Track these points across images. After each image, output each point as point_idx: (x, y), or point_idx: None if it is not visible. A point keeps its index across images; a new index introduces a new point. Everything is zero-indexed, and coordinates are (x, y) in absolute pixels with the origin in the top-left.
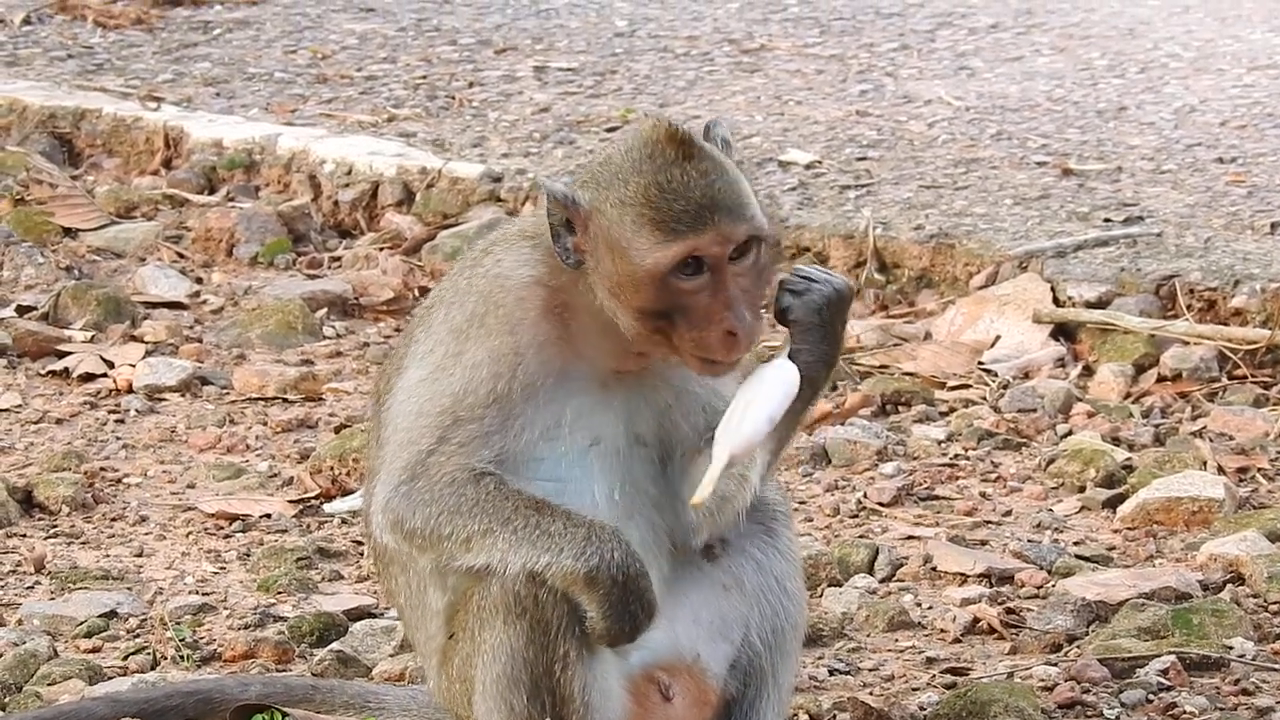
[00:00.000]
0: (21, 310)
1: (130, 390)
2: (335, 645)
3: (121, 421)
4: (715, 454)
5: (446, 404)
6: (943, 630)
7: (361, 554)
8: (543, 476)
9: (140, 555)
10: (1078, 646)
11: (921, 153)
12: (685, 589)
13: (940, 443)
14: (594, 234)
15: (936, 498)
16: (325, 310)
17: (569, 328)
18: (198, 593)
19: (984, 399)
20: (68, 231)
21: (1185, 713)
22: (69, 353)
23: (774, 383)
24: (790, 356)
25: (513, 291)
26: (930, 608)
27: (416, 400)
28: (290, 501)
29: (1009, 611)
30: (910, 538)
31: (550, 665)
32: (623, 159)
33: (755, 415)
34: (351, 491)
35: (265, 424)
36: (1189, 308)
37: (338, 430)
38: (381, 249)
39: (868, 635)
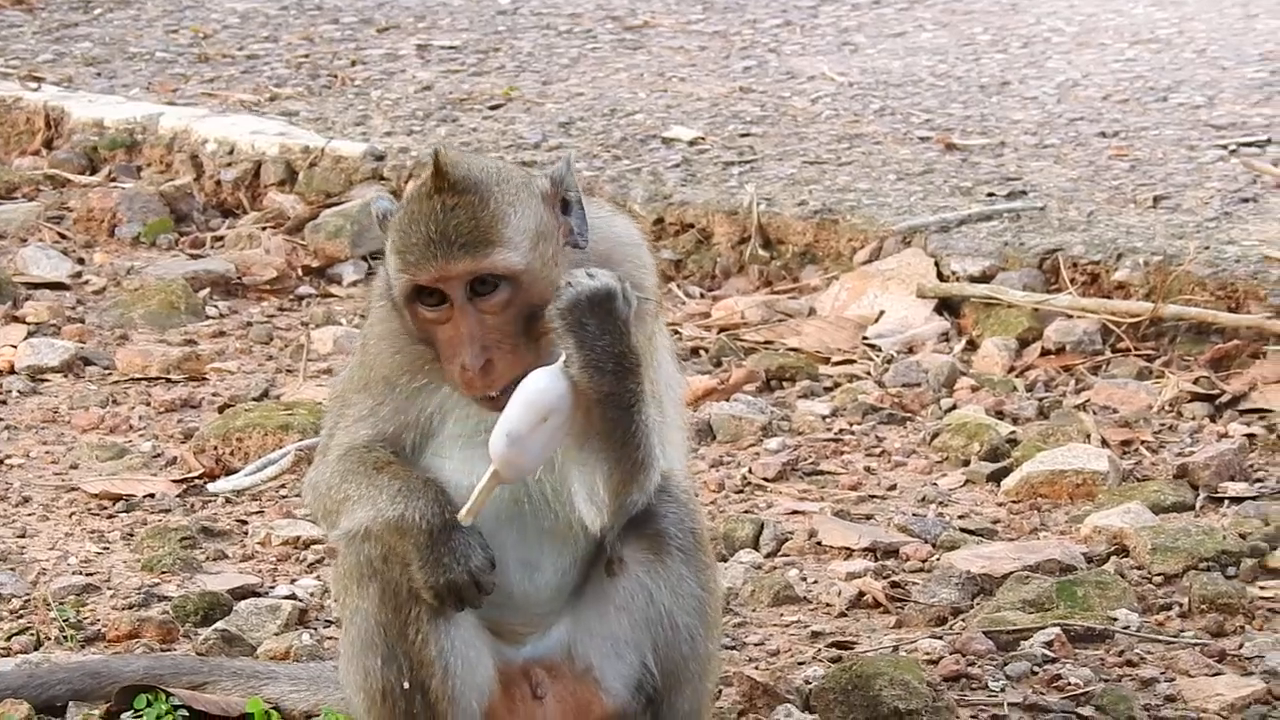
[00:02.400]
0: None
1: (12, 371)
2: (220, 624)
3: (3, 403)
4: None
5: (339, 390)
6: (828, 604)
7: (246, 533)
8: (425, 462)
9: (23, 536)
10: (962, 619)
11: (805, 129)
12: (587, 599)
13: (825, 418)
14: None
15: (821, 473)
16: (208, 290)
17: None
18: (81, 573)
19: (868, 374)
20: None
21: (1070, 684)
22: None
23: (533, 393)
24: (566, 365)
25: (380, 288)
26: (815, 582)
27: (334, 385)
28: (174, 481)
29: (894, 585)
30: (795, 513)
31: (404, 628)
32: (413, 182)
33: (513, 429)
34: (235, 471)
35: (148, 404)
36: (1072, 281)
37: (221, 410)
38: (264, 228)
39: (753, 610)
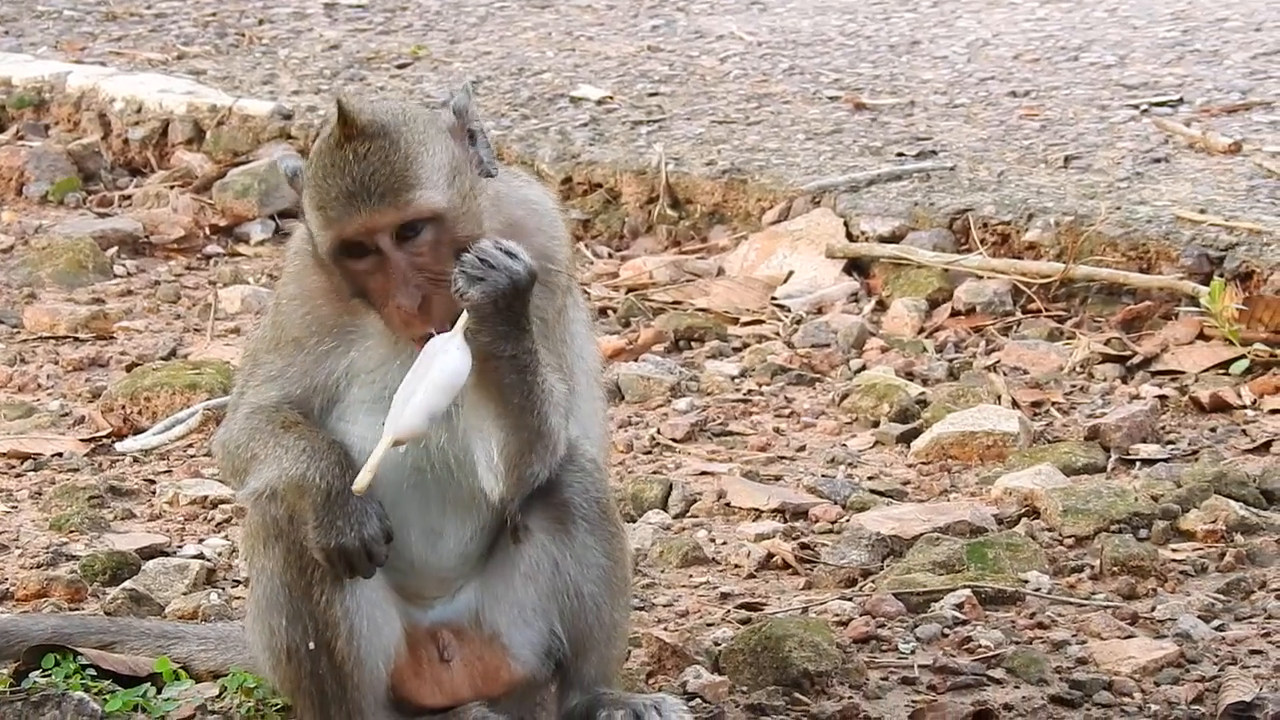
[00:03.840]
0: None
1: None
2: (128, 584)
3: None
4: (385, 433)
5: (251, 348)
6: (737, 566)
7: (154, 493)
8: (331, 425)
9: None
10: (872, 581)
11: (713, 88)
12: (494, 566)
13: (734, 378)
14: (302, 202)
15: (730, 433)
16: (116, 249)
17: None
18: None
19: (777, 334)
20: None
21: (981, 646)
22: None
23: (442, 367)
24: (467, 336)
25: (295, 248)
26: (724, 543)
27: (246, 345)
28: (82, 440)
29: (803, 547)
30: (704, 473)
31: (308, 589)
32: (319, 138)
33: (419, 400)
34: (143, 430)
35: (56, 363)
36: (983, 242)
37: (129, 369)
38: (172, 187)
39: (662, 571)
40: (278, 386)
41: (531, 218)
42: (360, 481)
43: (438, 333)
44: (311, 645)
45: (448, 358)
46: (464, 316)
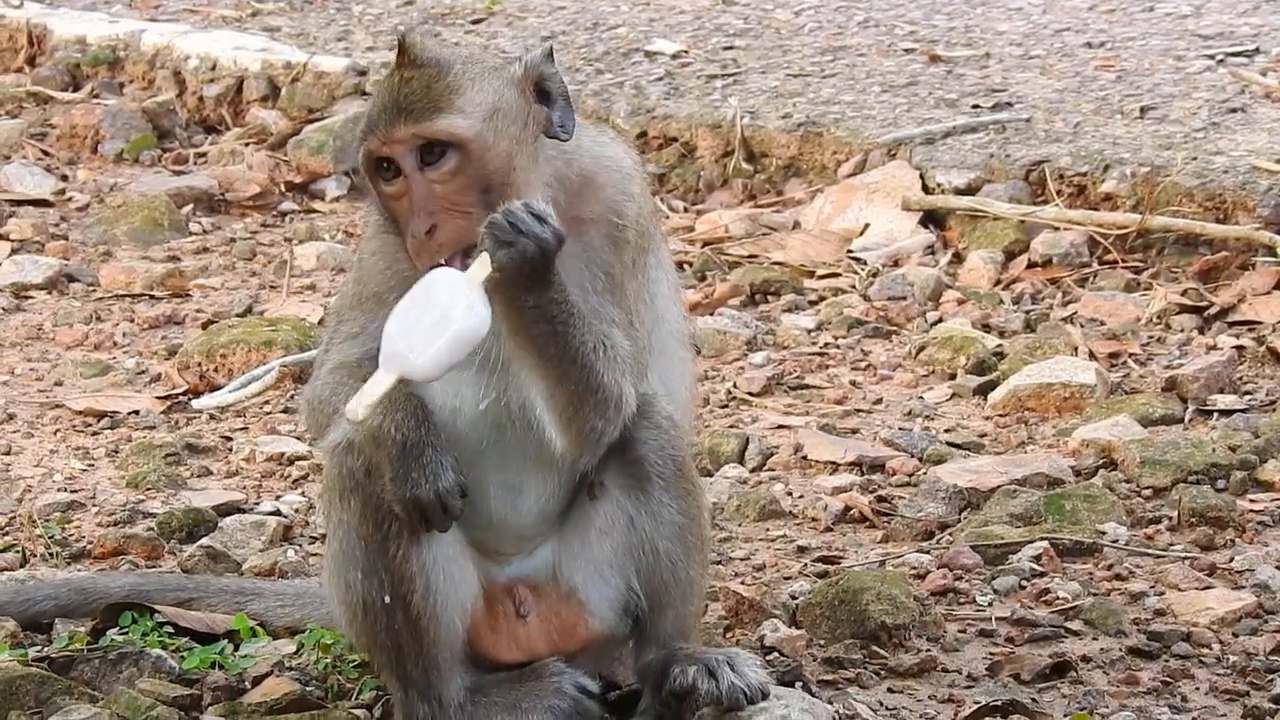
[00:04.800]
0: None
1: None
2: (205, 541)
3: None
4: (382, 366)
5: (334, 307)
6: (814, 519)
7: (230, 450)
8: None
9: (8, 453)
10: (949, 534)
11: (788, 41)
12: (571, 523)
13: (810, 332)
14: None
15: (806, 387)
16: (191, 206)
17: None
18: (66, 490)
19: (853, 287)
20: None
21: (1058, 598)
22: None
23: (463, 321)
24: (487, 289)
25: (371, 203)
26: (801, 497)
27: (332, 304)
28: (158, 398)
29: (880, 500)
30: (780, 427)
31: (385, 543)
32: None
33: (439, 349)
34: (219, 387)
35: (132, 320)
36: (1059, 193)
37: (205, 326)
38: (247, 144)
39: (739, 525)
40: (360, 343)
41: (603, 173)
42: (358, 412)
43: (447, 264)
44: (387, 599)
45: (470, 315)
46: (481, 267)
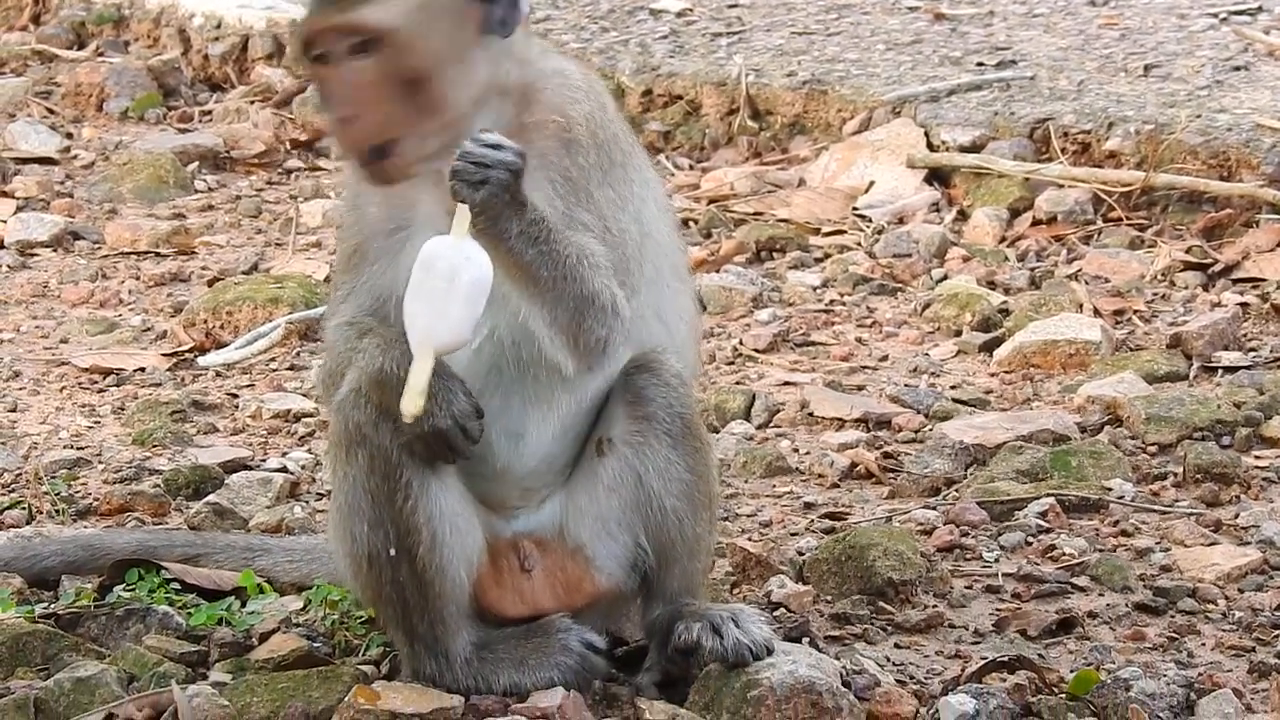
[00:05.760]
0: None
1: (1, 246)
2: (211, 498)
3: None
4: (415, 354)
5: (333, 279)
6: (820, 475)
7: (236, 407)
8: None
9: (14, 410)
10: (956, 490)
11: None
12: (577, 478)
13: (815, 289)
14: None
15: (812, 343)
16: (197, 164)
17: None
18: (72, 447)
19: (859, 244)
20: None
21: (1065, 554)
22: None
23: (471, 276)
24: (472, 233)
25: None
26: (807, 453)
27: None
28: (164, 355)
29: (886, 456)
30: (786, 384)
31: (391, 494)
32: None
33: (457, 312)
34: (225, 344)
35: (138, 278)
36: (1063, 151)
37: (211, 284)
38: (252, 102)
39: (745, 481)
40: (353, 302)
41: (547, 81)
42: (413, 405)
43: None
44: (393, 552)
45: (472, 265)
46: (461, 217)
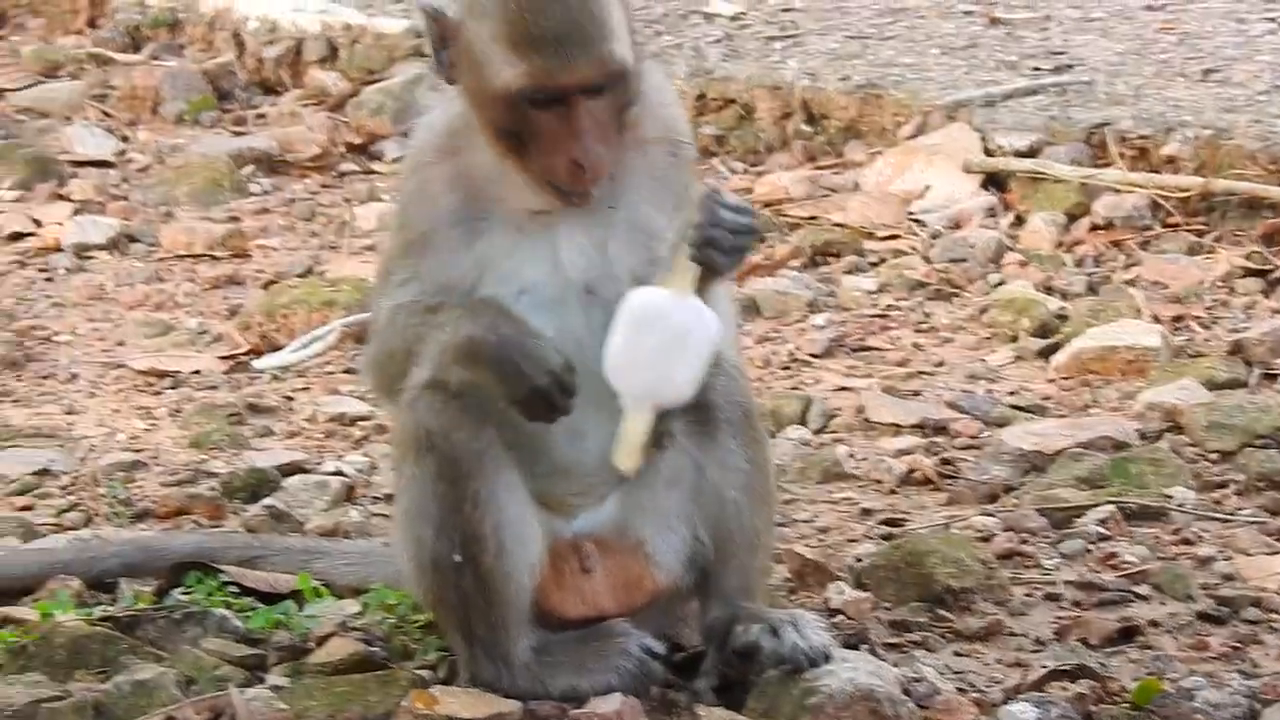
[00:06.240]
0: None
1: (58, 249)
2: (268, 500)
3: (50, 280)
4: (631, 408)
5: (382, 265)
6: (878, 481)
7: (292, 410)
8: None
9: (71, 413)
10: (1015, 497)
11: (847, 3)
12: (640, 473)
13: (871, 294)
14: (461, 46)
15: (868, 349)
16: (251, 167)
17: (468, 171)
18: (129, 450)
19: (914, 249)
20: None
21: (1125, 562)
22: None
23: (700, 336)
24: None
25: (421, 140)
26: (864, 459)
27: (378, 262)
28: (220, 358)
29: (944, 462)
30: (843, 389)
31: (459, 501)
32: None
33: (686, 372)
34: (280, 347)
35: (193, 281)
36: (1120, 156)
37: (266, 286)
38: (307, 105)
39: (802, 487)
40: (414, 287)
41: (651, 91)
42: (630, 461)
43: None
44: (458, 558)
45: (704, 325)
46: (684, 272)
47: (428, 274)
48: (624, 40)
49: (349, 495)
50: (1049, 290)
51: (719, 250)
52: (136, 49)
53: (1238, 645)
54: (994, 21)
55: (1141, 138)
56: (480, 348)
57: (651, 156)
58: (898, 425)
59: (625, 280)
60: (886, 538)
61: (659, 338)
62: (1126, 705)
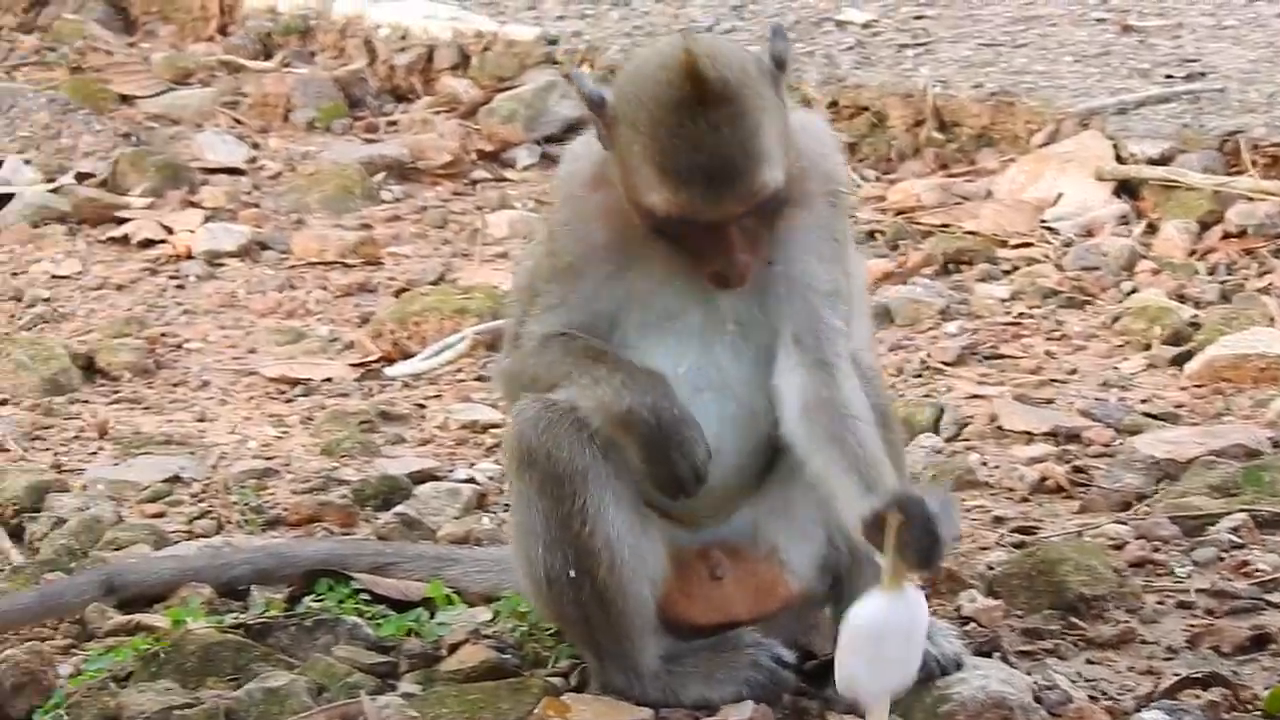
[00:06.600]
0: (80, 177)
1: (190, 256)
2: (400, 508)
3: (182, 287)
4: (872, 705)
5: (525, 280)
6: (1010, 489)
7: (424, 417)
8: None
9: (202, 420)
10: (1147, 505)
11: (979, 10)
12: (772, 480)
13: (1004, 301)
14: (615, 134)
15: (1001, 356)
16: (383, 174)
17: (620, 205)
18: (260, 457)
19: (1047, 257)
20: (125, 98)
21: (1258, 570)
22: (128, 219)
23: (920, 617)
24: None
25: (573, 169)
26: (997, 467)
27: (519, 275)
28: (351, 365)
29: (1077, 470)
30: (975, 397)
31: (567, 518)
32: (646, 78)
33: (916, 651)
34: (412, 355)
35: (325, 288)
36: (1253, 164)
37: (397, 294)
38: (438, 113)
39: None
40: (561, 314)
41: (813, 143)
42: None
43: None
44: (572, 574)
45: (921, 613)
46: (897, 569)
47: (578, 303)
48: (777, 160)
49: (480, 502)
50: (1181, 298)
51: (920, 553)
52: (268, 56)
53: None
54: (1126, 29)
55: (1274, 145)
56: (638, 425)
57: (812, 208)
58: (1030, 433)
59: (782, 329)
60: (1019, 545)
61: (889, 642)
62: (1259, 713)
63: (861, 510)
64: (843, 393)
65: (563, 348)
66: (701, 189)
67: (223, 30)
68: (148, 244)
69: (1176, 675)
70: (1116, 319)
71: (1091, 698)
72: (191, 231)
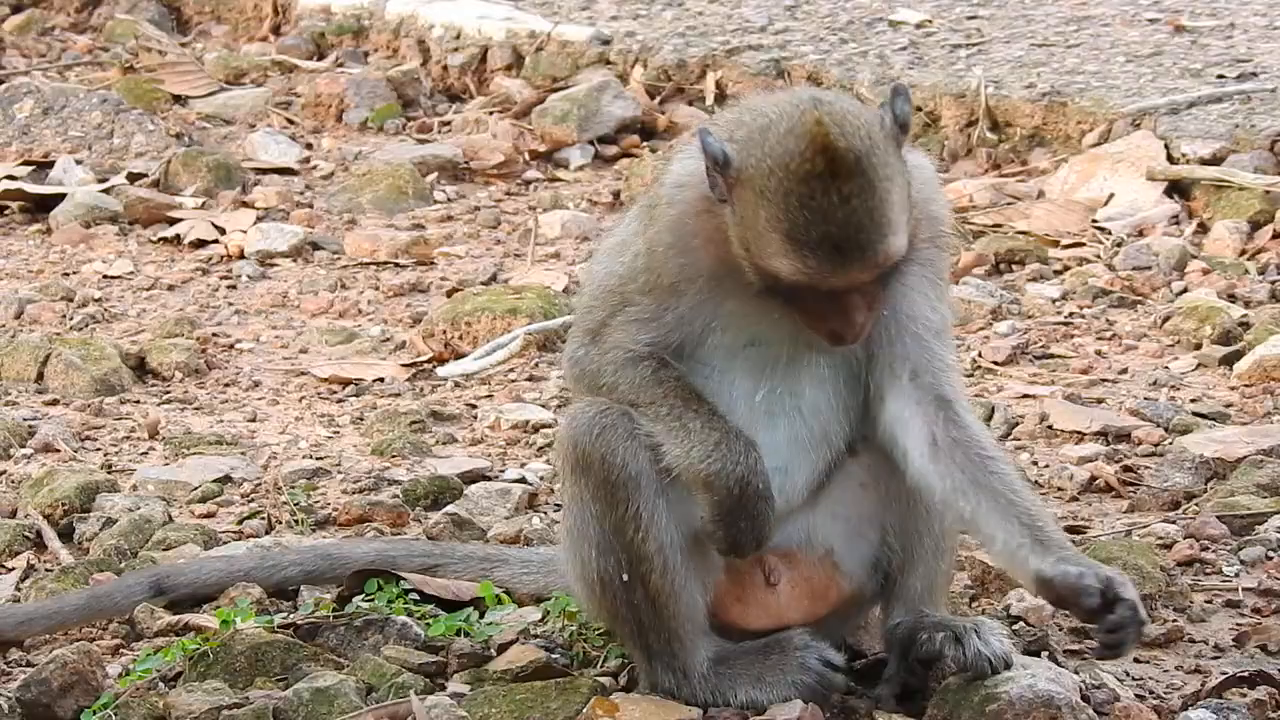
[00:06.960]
0: (132, 177)
1: (242, 256)
2: (450, 508)
3: (233, 287)
4: None
5: (614, 284)
6: (1060, 488)
7: (475, 417)
8: (687, 363)
9: (253, 420)
10: (1196, 504)
11: (1032, 11)
12: (828, 483)
13: (1055, 301)
14: (737, 194)
15: (1052, 356)
16: (436, 174)
17: (727, 232)
18: (311, 457)
19: (1098, 257)
20: (177, 99)
21: None
22: (180, 219)
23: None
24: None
25: (678, 191)
26: (1047, 466)
27: (602, 270)
28: (403, 365)
29: (1126, 469)
30: (1026, 396)
31: (620, 523)
32: (774, 143)
33: None
34: (464, 355)
35: (377, 288)
36: None
37: (449, 294)
38: (491, 113)
39: None
40: (651, 330)
41: (922, 187)
42: None
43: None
44: (625, 578)
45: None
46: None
47: (671, 322)
48: (902, 227)
49: (531, 502)
50: (1232, 298)
51: (1122, 645)
52: (321, 56)
53: None
54: (1178, 30)
55: None
56: (718, 490)
57: (920, 250)
58: (1080, 432)
59: (895, 368)
60: None
61: None
62: None
63: (1041, 568)
64: (971, 431)
65: (654, 375)
66: (829, 260)
67: (276, 30)
68: (200, 244)
69: (1223, 674)
70: (1167, 319)
71: (1139, 696)
72: (243, 232)
